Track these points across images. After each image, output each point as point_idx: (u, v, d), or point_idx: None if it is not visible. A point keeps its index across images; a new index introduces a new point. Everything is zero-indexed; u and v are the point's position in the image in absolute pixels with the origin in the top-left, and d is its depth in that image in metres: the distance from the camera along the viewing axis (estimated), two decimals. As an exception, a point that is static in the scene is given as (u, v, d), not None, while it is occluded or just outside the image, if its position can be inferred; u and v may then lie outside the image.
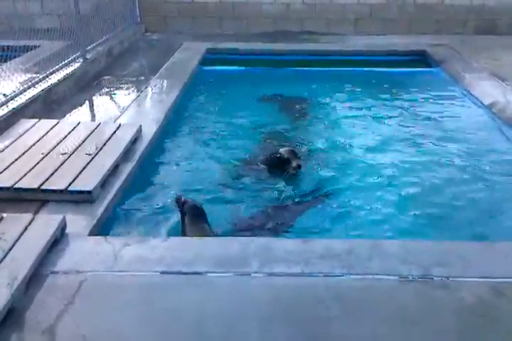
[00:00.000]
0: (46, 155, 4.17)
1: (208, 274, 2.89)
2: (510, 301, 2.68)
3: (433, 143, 5.35)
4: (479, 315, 2.59)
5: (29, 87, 5.58)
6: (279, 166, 4.57)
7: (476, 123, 5.90)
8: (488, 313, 2.60)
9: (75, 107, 5.91)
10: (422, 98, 6.80)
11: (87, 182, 3.74)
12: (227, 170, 4.70)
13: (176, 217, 3.80)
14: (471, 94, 6.60)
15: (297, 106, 6.42)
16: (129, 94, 6.49)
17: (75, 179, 3.78)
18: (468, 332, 2.49)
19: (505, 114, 5.71)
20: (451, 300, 2.69)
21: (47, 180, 3.75)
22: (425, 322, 2.56)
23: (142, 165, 4.50)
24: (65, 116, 5.57)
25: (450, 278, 2.83)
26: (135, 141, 4.72)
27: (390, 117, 6.12)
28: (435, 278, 2.83)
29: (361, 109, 6.40)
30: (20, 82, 5.57)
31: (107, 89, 6.64)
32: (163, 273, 2.89)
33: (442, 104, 6.60)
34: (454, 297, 2.70)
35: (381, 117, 6.12)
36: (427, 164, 4.84)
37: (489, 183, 4.46)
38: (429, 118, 6.07)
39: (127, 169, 4.21)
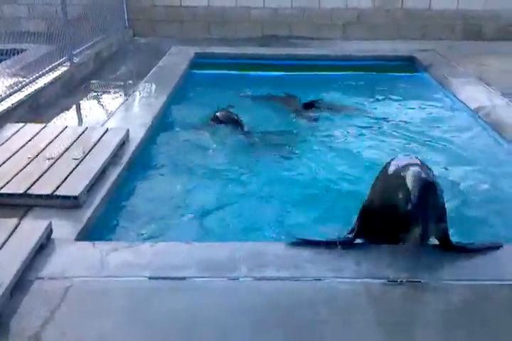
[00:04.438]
0: (32, 159, 4.12)
1: (196, 279, 2.86)
2: (497, 304, 2.69)
3: (420, 148, 5.37)
4: (467, 317, 2.59)
5: (15, 91, 5.53)
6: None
7: (462, 127, 5.94)
8: (477, 316, 2.59)
9: (62, 111, 5.86)
10: (409, 103, 6.84)
11: (74, 187, 3.70)
12: None
13: (163, 222, 3.78)
14: (457, 98, 6.65)
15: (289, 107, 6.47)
16: (116, 98, 6.46)
17: (61, 184, 3.74)
18: (457, 334, 2.49)
19: (491, 118, 5.75)
20: (439, 303, 2.68)
21: (33, 184, 3.71)
22: (414, 325, 2.55)
23: (130, 169, 4.47)
24: (51, 120, 5.52)
25: (438, 281, 2.83)
26: (123, 145, 4.69)
27: (377, 121, 6.14)
28: (423, 281, 2.82)
29: (349, 113, 6.42)
30: (6, 86, 5.52)
31: (94, 93, 6.60)
32: (150, 278, 2.86)
33: (429, 108, 6.64)
34: (442, 300, 2.70)
35: (367, 121, 6.14)
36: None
37: (474, 185, 4.48)
38: (415, 123, 6.09)
39: (114, 174, 4.18)
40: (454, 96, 6.76)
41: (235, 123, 5.78)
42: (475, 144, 5.46)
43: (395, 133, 5.78)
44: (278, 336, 2.46)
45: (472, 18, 9.87)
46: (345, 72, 8.14)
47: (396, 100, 6.96)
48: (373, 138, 5.63)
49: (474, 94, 6.49)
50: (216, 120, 5.90)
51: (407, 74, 8.23)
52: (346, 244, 3.06)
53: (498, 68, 7.55)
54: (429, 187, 2.60)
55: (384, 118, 6.23)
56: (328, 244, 3.05)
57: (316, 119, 6.06)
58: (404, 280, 2.81)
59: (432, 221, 2.74)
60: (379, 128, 5.93)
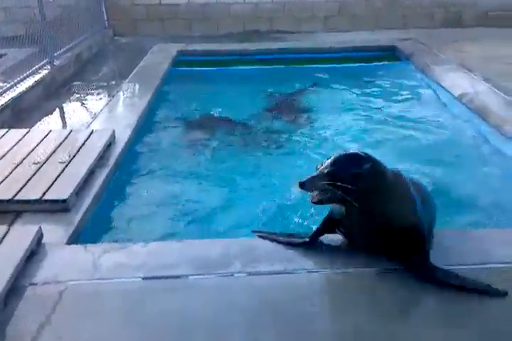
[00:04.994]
0: (18, 165, 4.08)
1: (190, 277, 2.86)
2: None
3: (405, 136, 5.41)
4: (460, 304, 2.61)
5: (-3, 97, 5.48)
6: None
7: (446, 114, 5.99)
8: (468, 302, 2.62)
9: (46, 115, 5.81)
10: (392, 91, 6.89)
11: (62, 191, 3.67)
12: None
13: (154, 222, 3.77)
14: (440, 85, 6.69)
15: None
16: (100, 99, 6.41)
17: (49, 188, 3.71)
18: (451, 321, 2.51)
19: (475, 104, 5.80)
20: (433, 290, 2.71)
21: (20, 190, 3.67)
22: (408, 313, 2.57)
23: (117, 170, 4.44)
24: (35, 124, 5.47)
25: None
26: (109, 146, 4.66)
27: (362, 111, 6.17)
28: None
29: (333, 104, 6.44)
30: (-13, 92, 5.46)
31: (77, 96, 6.55)
32: (144, 278, 2.85)
33: (412, 96, 6.69)
34: (434, 287, 2.72)
35: (352, 112, 6.17)
36: (399, 155, 4.88)
37: (458, 171, 4.52)
38: (399, 111, 6.13)
39: (102, 175, 4.15)
40: (437, 83, 6.80)
41: None
42: (459, 130, 5.51)
43: (379, 122, 5.82)
44: (274, 331, 2.46)
45: (451, 5, 9.93)
46: (328, 64, 8.15)
47: (379, 89, 6.99)
48: (358, 130, 5.64)
49: (457, 81, 6.54)
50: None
51: (390, 63, 8.26)
52: (300, 246, 3.06)
53: (479, 54, 7.61)
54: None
55: (368, 108, 6.25)
56: (284, 243, 3.09)
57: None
58: (398, 268, 2.83)
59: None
60: (363, 118, 5.95)
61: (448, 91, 6.43)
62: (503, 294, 2.62)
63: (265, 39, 9.21)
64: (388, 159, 4.67)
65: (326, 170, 2.62)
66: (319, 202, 2.66)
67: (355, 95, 6.80)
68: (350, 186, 2.57)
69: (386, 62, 8.27)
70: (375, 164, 2.68)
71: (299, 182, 2.59)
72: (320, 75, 7.62)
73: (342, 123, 5.82)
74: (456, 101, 6.13)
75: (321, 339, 2.42)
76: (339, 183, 2.57)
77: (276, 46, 8.71)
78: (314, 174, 2.64)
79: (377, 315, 2.55)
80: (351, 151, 2.80)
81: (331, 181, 2.58)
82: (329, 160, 2.67)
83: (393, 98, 6.64)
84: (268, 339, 2.42)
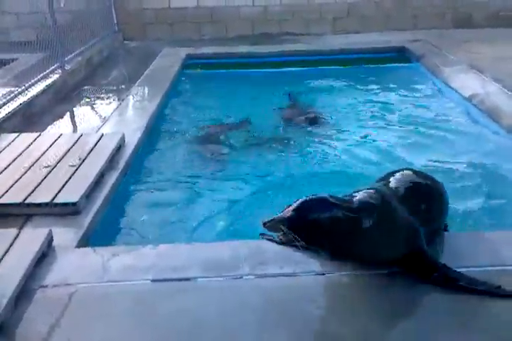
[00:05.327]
0: (29, 169, 4.12)
1: (199, 279, 2.86)
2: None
3: (416, 138, 5.38)
4: (470, 306, 2.59)
5: (8, 101, 5.52)
6: None
7: (457, 115, 5.94)
8: (479, 304, 2.60)
9: (56, 119, 5.85)
10: (403, 94, 6.85)
11: (72, 194, 3.69)
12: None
13: (163, 225, 3.77)
14: (450, 87, 6.65)
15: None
16: (110, 103, 6.45)
17: (59, 191, 3.73)
18: (463, 322, 2.49)
19: (486, 106, 5.75)
20: (442, 293, 2.68)
21: (31, 193, 3.70)
22: (417, 315, 2.56)
23: (127, 174, 4.46)
24: (46, 128, 5.52)
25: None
26: (119, 150, 4.68)
27: (372, 113, 6.14)
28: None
29: (343, 106, 6.43)
30: (-1, 96, 5.52)
31: (87, 99, 6.60)
32: (153, 281, 2.86)
33: (423, 98, 6.65)
34: (444, 289, 2.70)
35: (361, 114, 6.15)
36: (411, 155, 4.86)
37: (472, 174, 4.48)
38: (410, 113, 6.10)
39: (112, 179, 4.17)
40: (447, 85, 6.76)
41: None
42: (471, 132, 5.46)
43: (390, 125, 5.79)
44: (283, 333, 2.46)
45: (462, 5, 9.87)
46: (338, 66, 8.13)
47: (390, 92, 6.96)
48: (367, 131, 5.62)
49: (467, 82, 6.49)
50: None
51: (400, 65, 8.22)
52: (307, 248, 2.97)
53: (490, 55, 7.55)
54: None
55: (376, 110, 6.23)
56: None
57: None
58: (406, 270, 2.80)
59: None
60: (374, 121, 5.92)
61: (458, 93, 6.38)
62: None
63: (275, 42, 9.22)
64: (401, 158, 4.77)
65: (287, 214, 2.63)
66: (283, 243, 2.78)
67: (364, 97, 6.77)
68: (302, 238, 2.61)
69: (396, 64, 8.23)
70: (341, 209, 2.61)
71: (262, 222, 2.67)
72: (329, 77, 7.61)
73: (351, 126, 5.80)
74: (466, 102, 6.08)
75: (330, 339, 2.41)
76: (293, 234, 2.62)
77: (286, 49, 8.71)
78: (276, 216, 2.67)
79: (385, 318, 2.53)
80: (319, 196, 2.70)
81: (290, 227, 2.61)
82: (295, 204, 2.67)
83: (402, 100, 6.60)
84: (276, 339, 2.41)
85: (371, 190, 2.80)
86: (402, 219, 2.76)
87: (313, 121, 5.79)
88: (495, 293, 2.62)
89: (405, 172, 3.23)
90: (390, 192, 2.89)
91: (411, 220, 2.79)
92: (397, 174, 3.16)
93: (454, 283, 2.68)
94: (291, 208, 2.66)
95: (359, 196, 2.73)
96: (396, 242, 2.72)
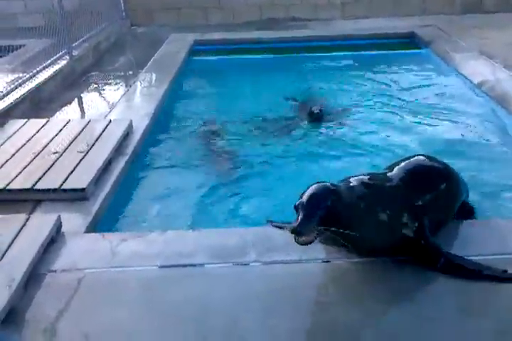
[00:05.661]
0: (37, 154, 4.15)
1: (207, 266, 2.89)
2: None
3: (427, 125, 5.35)
4: (476, 291, 2.60)
5: (16, 87, 5.55)
6: None
7: (467, 102, 5.89)
8: (482, 290, 2.60)
9: (64, 105, 5.87)
10: (412, 80, 6.78)
11: (81, 180, 3.72)
12: None
13: (171, 211, 3.79)
14: (460, 73, 6.58)
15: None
16: (117, 89, 6.45)
17: (67, 177, 3.76)
18: (465, 309, 2.50)
19: (495, 92, 5.70)
20: (446, 280, 2.69)
21: (40, 179, 3.74)
22: (422, 302, 2.57)
23: (135, 160, 4.48)
24: (54, 114, 5.54)
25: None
26: (127, 136, 4.69)
27: (382, 99, 6.10)
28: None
29: (352, 92, 6.38)
30: (7, 82, 5.53)
31: (95, 86, 6.60)
32: (161, 266, 2.89)
33: (433, 84, 6.58)
34: (448, 275, 2.71)
35: (373, 100, 6.10)
36: (420, 142, 4.84)
37: (482, 160, 4.46)
38: (420, 100, 6.05)
39: (120, 165, 4.19)
40: (457, 71, 6.69)
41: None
42: (481, 118, 5.41)
43: (398, 110, 5.75)
44: (291, 319, 2.48)
45: (472, -10, 9.71)
46: (346, 51, 8.06)
47: (398, 77, 6.89)
48: (376, 117, 5.59)
49: (477, 69, 6.42)
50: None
51: (409, 51, 8.14)
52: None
53: (500, 41, 7.45)
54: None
55: (385, 96, 6.18)
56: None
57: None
58: (412, 257, 2.81)
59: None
60: (383, 108, 5.88)
61: (468, 79, 6.32)
62: None
63: (282, 27, 9.14)
64: (410, 145, 4.75)
65: (311, 215, 2.47)
66: (308, 243, 2.50)
67: (372, 83, 6.71)
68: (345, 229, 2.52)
69: (405, 50, 8.14)
70: (342, 196, 2.60)
71: (295, 230, 2.43)
72: (337, 63, 7.55)
73: (359, 113, 5.76)
74: (477, 89, 6.02)
75: (335, 327, 2.43)
76: (334, 228, 2.52)
77: (294, 34, 8.64)
78: (304, 219, 2.46)
79: (389, 305, 2.55)
80: (321, 185, 2.64)
81: (325, 223, 2.49)
82: (309, 200, 2.52)
83: (412, 87, 6.52)
84: (283, 326, 2.43)
85: (365, 177, 2.82)
86: (398, 206, 2.76)
87: (317, 118, 5.46)
88: (500, 277, 2.63)
89: (415, 159, 3.20)
90: (384, 180, 2.89)
91: (411, 207, 2.78)
92: (407, 161, 3.14)
93: (459, 269, 2.69)
94: (309, 208, 2.49)
95: (352, 182, 2.74)
96: (393, 229, 2.72)
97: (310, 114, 5.52)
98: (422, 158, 3.27)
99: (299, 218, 2.46)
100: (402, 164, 3.09)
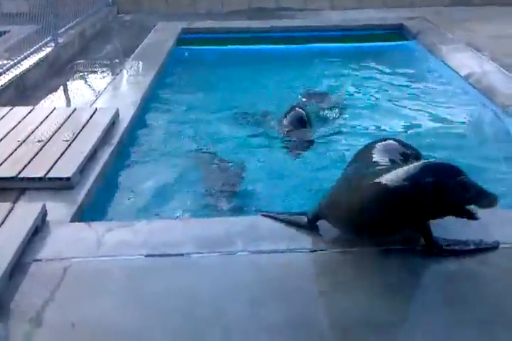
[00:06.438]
0: (22, 143, 4.09)
1: (193, 255, 2.88)
2: (492, 268, 2.73)
3: (413, 116, 5.38)
4: (463, 281, 2.63)
5: (0, 74, 5.45)
6: None
7: (453, 94, 5.93)
8: (472, 279, 2.64)
9: (50, 93, 5.79)
10: (399, 71, 6.80)
11: (66, 169, 3.68)
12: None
13: (157, 200, 3.78)
14: (447, 65, 6.61)
15: None
16: (104, 77, 6.38)
17: (53, 166, 3.72)
18: (455, 298, 2.53)
19: (482, 85, 5.73)
20: (437, 268, 2.73)
21: (24, 167, 3.69)
22: (409, 291, 2.59)
23: (121, 149, 4.45)
24: (39, 102, 5.46)
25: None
26: (113, 124, 4.65)
27: (368, 91, 6.11)
28: (418, 248, 2.85)
29: (340, 84, 6.38)
30: (-9, 69, 5.44)
31: (81, 73, 6.52)
32: (147, 256, 2.88)
33: (420, 76, 6.61)
34: (441, 265, 2.75)
35: (360, 92, 6.11)
36: (407, 134, 4.86)
37: (468, 152, 4.49)
38: (406, 92, 6.07)
39: (106, 154, 4.16)
40: (444, 63, 6.71)
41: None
42: (466, 111, 5.46)
43: (387, 103, 5.76)
44: (278, 308, 2.48)
45: (461, -18, 9.72)
46: (334, 43, 8.04)
47: (385, 69, 6.90)
48: (368, 113, 5.58)
49: (464, 61, 6.45)
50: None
51: (397, 42, 8.15)
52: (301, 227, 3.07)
53: (488, 34, 7.48)
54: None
55: (375, 89, 6.19)
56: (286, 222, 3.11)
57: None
58: (399, 247, 2.84)
59: None
60: (369, 100, 5.89)
61: (455, 71, 6.35)
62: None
63: (271, 17, 9.08)
64: (396, 136, 4.75)
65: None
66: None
67: (358, 75, 6.72)
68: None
69: (392, 42, 8.15)
70: None
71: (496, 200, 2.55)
72: (324, 54, 7.53)
73: (348, 105, 5.75)
74: (463, 80, 6.05)
75: (322, 316, 2.44)
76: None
77: (282, 24, 8.59)
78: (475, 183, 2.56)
79: (377, 293, 2.57)
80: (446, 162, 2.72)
81: None
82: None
83: (398, 78, 6.55)
84: (270, 315, 2.44)
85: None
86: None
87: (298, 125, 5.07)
88: (484, 247, 2.82)
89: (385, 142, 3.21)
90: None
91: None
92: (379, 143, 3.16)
93: (446, 249, 2.80)
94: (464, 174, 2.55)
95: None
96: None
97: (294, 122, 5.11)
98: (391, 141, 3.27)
99: (483, 190, 2.54)
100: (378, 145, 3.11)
